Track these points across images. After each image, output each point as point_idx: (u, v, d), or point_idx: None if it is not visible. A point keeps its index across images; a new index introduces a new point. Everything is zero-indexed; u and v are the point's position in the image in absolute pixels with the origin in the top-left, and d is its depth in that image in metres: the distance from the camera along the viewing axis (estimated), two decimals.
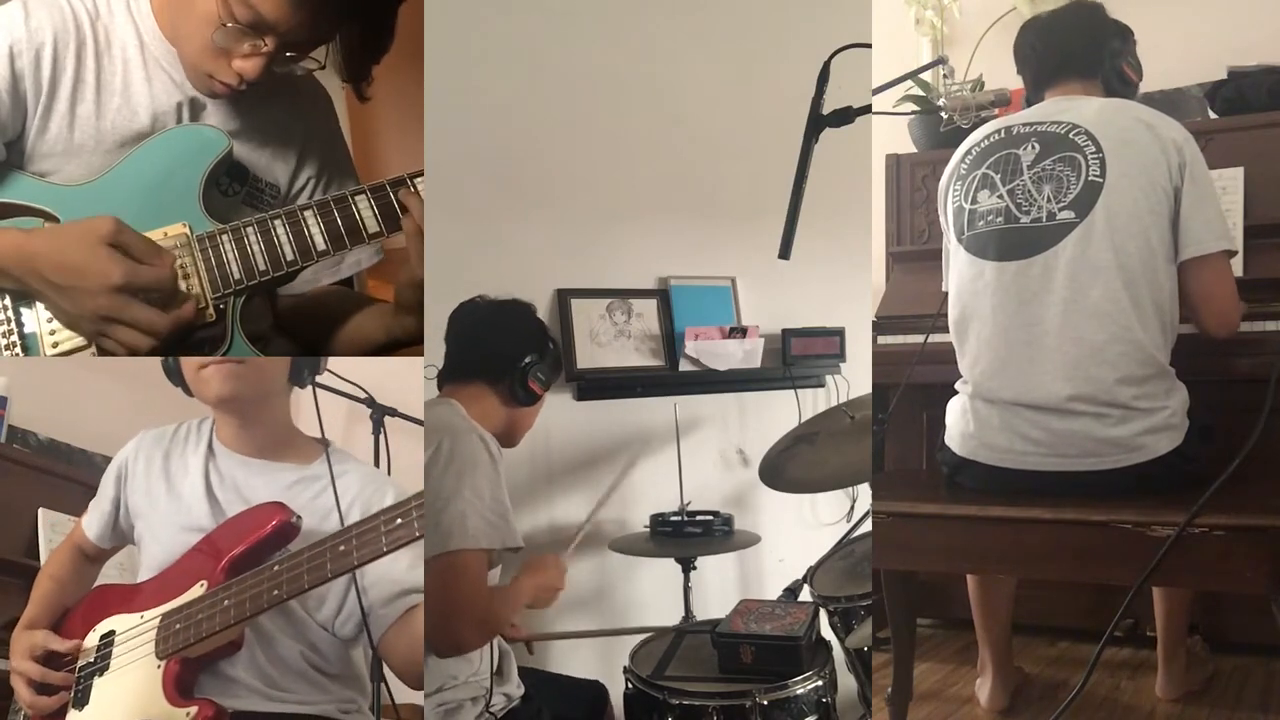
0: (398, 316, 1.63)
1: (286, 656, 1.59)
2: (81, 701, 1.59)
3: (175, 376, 1.66)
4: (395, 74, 1.62)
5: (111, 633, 1.62)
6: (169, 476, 1.70)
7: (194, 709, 1.48)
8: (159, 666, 1.53)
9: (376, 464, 2.23)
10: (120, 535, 1.77)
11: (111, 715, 1.55)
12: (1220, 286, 1.94)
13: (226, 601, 1.51)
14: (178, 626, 1.54)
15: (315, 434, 1.73)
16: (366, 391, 2.26)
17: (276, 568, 1.50)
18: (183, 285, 1.47)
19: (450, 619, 1.62)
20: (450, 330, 1.94)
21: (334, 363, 1.76)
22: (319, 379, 1.72)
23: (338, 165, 1.76)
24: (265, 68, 1.50)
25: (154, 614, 1.58)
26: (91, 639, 1.63)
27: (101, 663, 1.60)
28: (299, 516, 1.58)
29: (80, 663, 1.62)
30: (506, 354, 1.88)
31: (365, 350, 1.70)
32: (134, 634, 1.58)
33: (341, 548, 1.46)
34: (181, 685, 1.51)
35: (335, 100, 1.80)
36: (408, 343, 1.65)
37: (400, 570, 1.57)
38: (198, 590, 1.56)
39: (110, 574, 1.92)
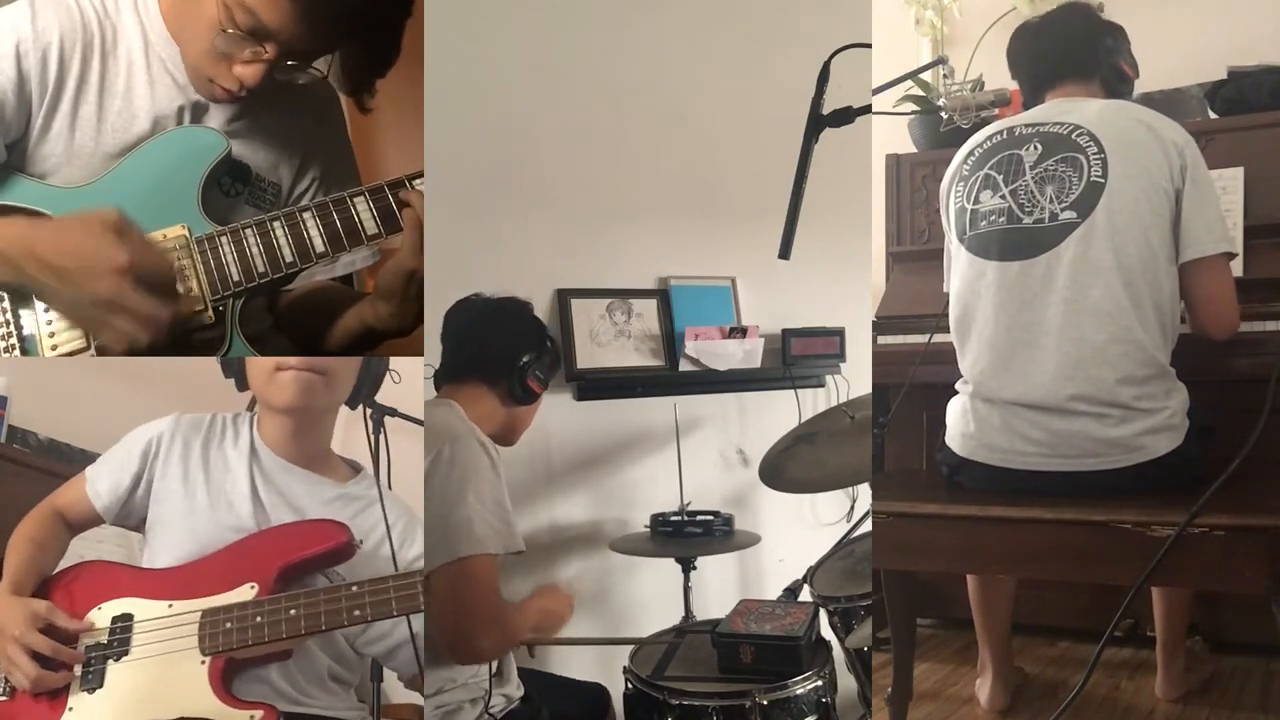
0: (374, 304, 1.61)
1: (315, 665, 1.59)
2: (93, 684, 1.52)
3: (232, 370, 1.65)
4: (396, 76, 1.61)
5: (128, 616, 1.56)
6: (208, 467, 1.67)
7: (259, 713, 1.46)
8: (203, 662, 1.50)
9: (376, 465, 2.22)
10: (129, 513, 1.69)
11: (135, 703, 1.50)
12: (1220, 288, 1.94)
13: (293, 611, 1.50)
14: (228, 625, 1.51)
15: (354, 454, 1.73)
16: None
17: (356, 588, 1.49)
18: (181, 288, 1.46)
19: (467, 624, 1.62)
20: (446, 329, 1.93)
21: None
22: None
23: (342, 170, 1.75)
24: (266, 75, 1.49)
25: (188, 606, 1.54)
26: (101, 619, 1.57)
27: (119, 647, 1.54)
28: (360, 541, 1.58)
29: (88, 642, 1.55)
30: (504, 353, 1.88)
31: (348, 343, 1.67)
32: (163, 623, 1.54)
33: None
34: (227, 684, 1.50)
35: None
36: (385, 334, 1.63)
37: None
38: (248, 592, 1.53)
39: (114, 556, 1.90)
